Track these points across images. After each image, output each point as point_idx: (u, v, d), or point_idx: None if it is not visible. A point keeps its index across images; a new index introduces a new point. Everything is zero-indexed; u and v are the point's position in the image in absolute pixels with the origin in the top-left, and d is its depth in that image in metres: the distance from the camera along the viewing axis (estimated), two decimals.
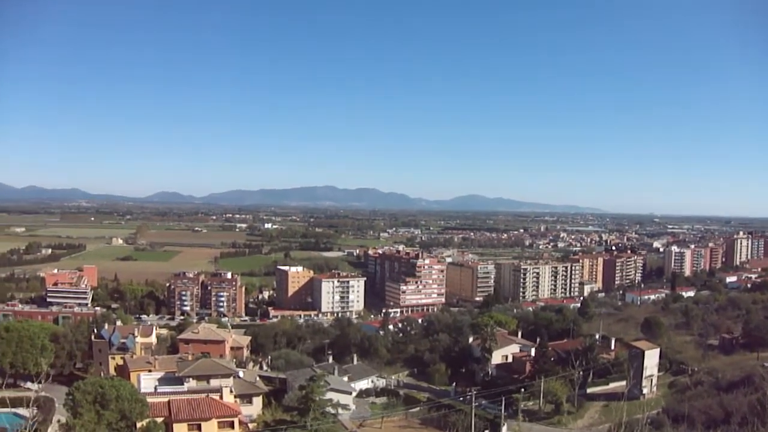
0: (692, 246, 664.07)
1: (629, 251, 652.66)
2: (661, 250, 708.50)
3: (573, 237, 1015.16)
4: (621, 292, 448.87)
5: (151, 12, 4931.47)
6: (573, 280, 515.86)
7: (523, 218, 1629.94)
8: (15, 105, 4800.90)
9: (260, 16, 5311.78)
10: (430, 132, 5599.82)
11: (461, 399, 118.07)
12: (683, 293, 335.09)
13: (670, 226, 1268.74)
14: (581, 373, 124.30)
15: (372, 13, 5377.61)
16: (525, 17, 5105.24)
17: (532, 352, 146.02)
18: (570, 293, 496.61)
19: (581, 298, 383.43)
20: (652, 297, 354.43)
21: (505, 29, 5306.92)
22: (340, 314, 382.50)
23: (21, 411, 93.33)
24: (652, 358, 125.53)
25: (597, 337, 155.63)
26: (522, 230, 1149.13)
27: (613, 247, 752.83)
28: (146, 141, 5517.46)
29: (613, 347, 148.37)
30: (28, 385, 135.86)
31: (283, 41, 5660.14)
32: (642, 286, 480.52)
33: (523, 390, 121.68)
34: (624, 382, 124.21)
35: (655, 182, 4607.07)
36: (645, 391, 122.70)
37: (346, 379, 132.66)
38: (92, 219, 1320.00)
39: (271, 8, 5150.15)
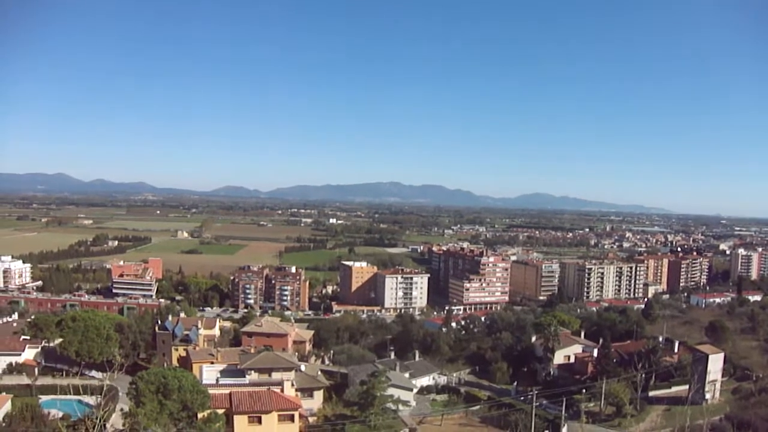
0: (760, 249, 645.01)
1: (695, 253, 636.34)
2: (728, 252, 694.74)
3: (638, 237, 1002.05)
4: (686, 294, 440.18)
5: (219, 7, 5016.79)
6: (637, 281, 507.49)
7: (589, 217, 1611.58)
8: (84, 100, 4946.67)
9: (336, 8, 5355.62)
10: (497, 129, 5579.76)
11: (522, 398, 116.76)
12: (749, 297, 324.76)
13: (737, 228, 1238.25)
14: (643, 375, 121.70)
15: (441, 8, 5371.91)
16: (606, 17, 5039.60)
17: (595, 352, 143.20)
18: (634, 294, 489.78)
19: (645, 299, 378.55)
20: (718, 300, 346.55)
21: (578, 29, 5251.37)
22: (402, 310, 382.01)
23: (86, 398, 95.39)
24: (716, 363, 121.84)
25: (660, 339, 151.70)
26: (587, 229, 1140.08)
27: (679, 249, 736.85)
28: (213, 136, 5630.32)
29: (676, 350, 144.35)
30: (93, 373, 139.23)
31: (352, 37, 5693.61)
32: (707, 288, 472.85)
33: (584, 391, 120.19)
34: (686, 387, 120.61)
35: (722, 183, 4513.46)
36: (708, 396, 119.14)
37: (407, 375, 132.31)
38: (158, 212, 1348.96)
39: (348, 5, 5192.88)
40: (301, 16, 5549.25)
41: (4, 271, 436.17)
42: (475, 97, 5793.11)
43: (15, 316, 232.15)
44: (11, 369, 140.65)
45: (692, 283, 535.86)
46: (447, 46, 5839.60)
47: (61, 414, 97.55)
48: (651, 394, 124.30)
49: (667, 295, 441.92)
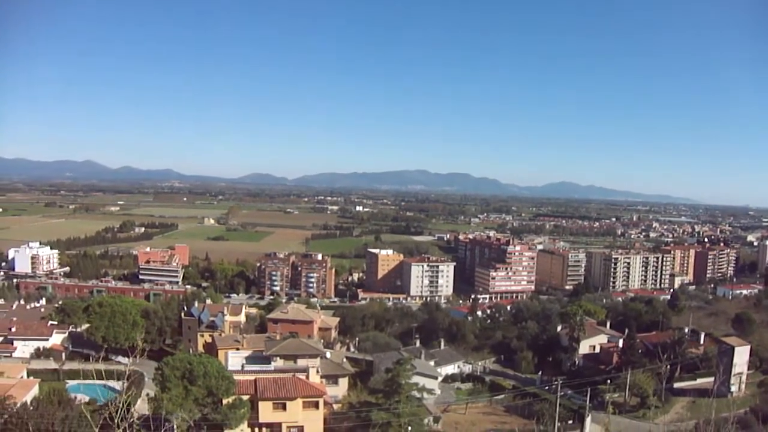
0: None
1: (722, 244, 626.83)
2: (756, 243, 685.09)
3: (665, 227, 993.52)
4: (712, 285, 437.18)
5: None
6: (664, 272, 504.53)
7: (616, 207, 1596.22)
8: (112, 89, 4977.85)
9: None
10: (524, 118, 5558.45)
11: (546, 388, 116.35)
12: None
13: (766, 220, 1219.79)
14: (669, 367, 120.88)
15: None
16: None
17: (620, 343, 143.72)
18: (660, 285, 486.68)
19: (671, 290, 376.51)
20: (744, 292, 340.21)
21: (605, 19, 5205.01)
22: (428, 298, 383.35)
23: (112, 383, 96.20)
24: (742, 355, 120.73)
25: (686, 330, 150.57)
26: (614, 219, 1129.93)
27: (706, 239, 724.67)
28: (240, 123, 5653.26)
29: (702, 342, 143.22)
30: (119, 358, 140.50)
31: (381, 24, 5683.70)
32: (734, 280, 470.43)
33: (609, 381, 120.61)
34: (712, 379, 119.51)
35: (751, 174, 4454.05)
36: (733, 389, 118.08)
37: (432, 363, 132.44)
38: (185, 199, 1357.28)
39: None
40: (325, 2, 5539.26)
41: (33, 257, 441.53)
42: (503, 86, 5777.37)
43: (43, 301, 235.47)
44: (39, 353, 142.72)
45: (719, 275, 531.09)
46: (475, 35, 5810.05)
47: (87, 398, 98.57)
48: (676, 385, 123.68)
49: (694, 286, 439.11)
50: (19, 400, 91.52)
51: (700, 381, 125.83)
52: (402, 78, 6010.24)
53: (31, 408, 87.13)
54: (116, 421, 30.32)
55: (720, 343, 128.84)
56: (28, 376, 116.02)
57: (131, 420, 31.20)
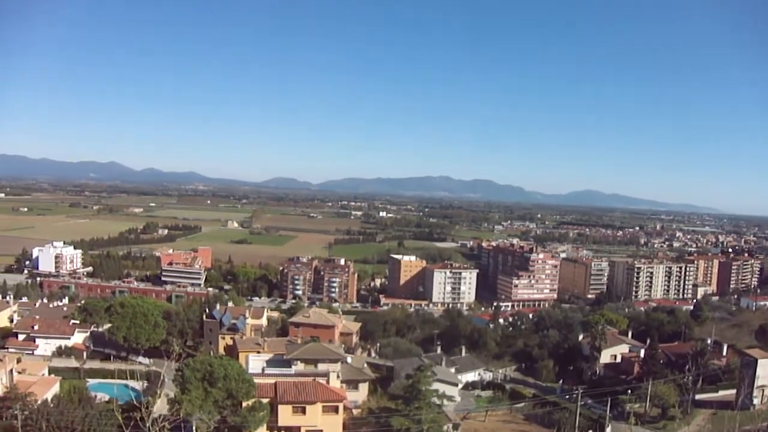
0: None
1: (746, 254, 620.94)
2: None
3: (688, 237, 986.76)
4: (736, 296, 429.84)
5: None
6: (687, 282, 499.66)
7: (639, 216, 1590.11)
8: (137, 91, 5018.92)
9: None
10: (548, 126, 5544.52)
11: (567, 397, 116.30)
12: None
13: None
14: (691, 378, 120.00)
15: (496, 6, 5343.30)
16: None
17: (642, 353, 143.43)
18: (683, 295, 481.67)
19: (694, 300, 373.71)
20: None
21: (629, 25, 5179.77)
22: (450, 305, 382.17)
23: (132, 383, 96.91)
24: (765, 368, 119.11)
25: (709, 341, 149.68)
26: (637, 228, 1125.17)
27: (730, 249, 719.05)
28: (264, 127, 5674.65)
29: (724, 353, 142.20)
30: (140, 359, 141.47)
31: (403, 30, 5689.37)
32: (758, 291, 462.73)
33: (630, 392, 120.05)
34: (734, 391, 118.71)
35: None
36: (756, 401, 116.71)
37: (453, 370, 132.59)
38: (208, 202, 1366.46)
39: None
40: (352, 7, 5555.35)
41: (56, 257, 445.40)
42: (527, 93, 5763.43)
43: (65, 300, 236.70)
44: (61, 352, 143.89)
45: (743, 286, 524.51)
46: (502, 41, 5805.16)
47: (107, 397, 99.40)
48: (698, 397, 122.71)
49: (717, 297, 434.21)
50: (40, 397, 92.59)
51: (722, 393, 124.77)
52: (427, 84, 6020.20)
53: (52, 405, 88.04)
54: (147, 423, 30.51)
55: (743, 354, 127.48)
56: (49, 373, 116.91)
57: (162, 424, 31.37)
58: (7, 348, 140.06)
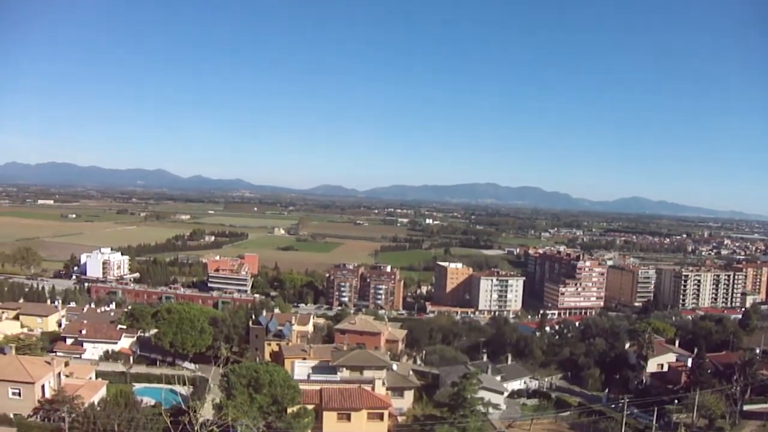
0: None
1: None
2: None
3: (737, 244, 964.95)
4: None
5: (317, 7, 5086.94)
6: (735, 290, 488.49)
7: (687, 223, 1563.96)
8: (185, 99, 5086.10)
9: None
10: (596, 133, 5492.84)
11: (613, 406, 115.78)
12: None
13: None
14: (739, 388, 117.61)
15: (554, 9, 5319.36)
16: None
17: (689, 362, 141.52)
18: (731, 303, 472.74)
19: (743, 309, 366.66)
20: None
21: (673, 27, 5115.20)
22: (497, 313, 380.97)
23: (177, 388, 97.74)
24: None
25: (758, 351, 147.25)
26: (684, 235, 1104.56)
27: None
28: (311, 134, 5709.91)
29: None
30: (186, 364, 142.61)
31: (451, 38, 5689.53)
32: None
33: (677, 401, 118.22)
34: None
35: None
36: None
37: (498, 378, 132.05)
38: (255, 209, 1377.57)
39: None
40: (397, 16, 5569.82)
41: (104, 263, 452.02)
42: (574, 100, 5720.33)
43: (113, 305, 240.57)
44: (108, 356, 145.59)
45: None
46: (549, 52, 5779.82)
47: (153, 402, 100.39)
48: (746, 408, 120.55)
49: (766, 306, 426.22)
50: (87, 400, 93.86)
51: None
52: (476, 92, 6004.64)
53: (98, 408, 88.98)
54: (196, 427, 30.52)
55: None
56: (96, 377, 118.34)
57: (210, 428, 31.38)
58: (56, 352, 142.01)
